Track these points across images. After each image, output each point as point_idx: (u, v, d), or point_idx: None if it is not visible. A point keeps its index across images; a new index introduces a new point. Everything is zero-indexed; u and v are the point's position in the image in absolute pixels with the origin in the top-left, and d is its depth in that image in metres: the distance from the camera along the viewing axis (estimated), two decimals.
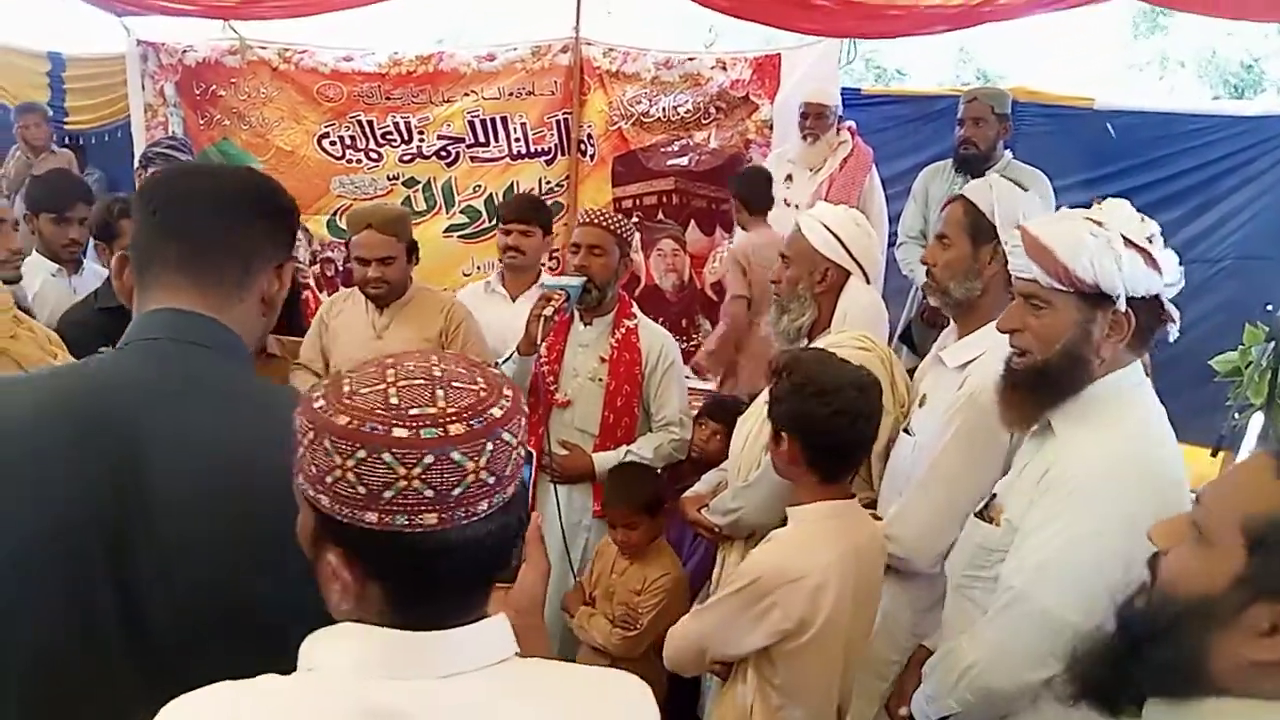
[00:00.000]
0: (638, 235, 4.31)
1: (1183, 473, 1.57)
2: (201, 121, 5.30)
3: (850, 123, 4.47)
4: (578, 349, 2.96)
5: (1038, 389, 1.62)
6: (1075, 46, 9.73)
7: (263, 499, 1.03)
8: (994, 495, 1.71)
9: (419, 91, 5.25)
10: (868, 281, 2.50)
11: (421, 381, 0.84)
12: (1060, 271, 1.56)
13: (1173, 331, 1.59)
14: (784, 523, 1.88)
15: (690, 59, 5.05)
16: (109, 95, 5.88)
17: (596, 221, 2.89)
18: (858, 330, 2.33)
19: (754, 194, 4.17)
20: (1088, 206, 4.26)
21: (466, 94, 5.25)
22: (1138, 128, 4.78)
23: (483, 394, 0.84)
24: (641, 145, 5.19)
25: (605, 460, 2.87)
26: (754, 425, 2.33)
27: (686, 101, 5.05)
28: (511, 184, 5.40)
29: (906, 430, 2.19)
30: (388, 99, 5.24)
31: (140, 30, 5.17)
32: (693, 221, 5.32)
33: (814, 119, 4.39)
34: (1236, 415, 3.98)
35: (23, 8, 5.56)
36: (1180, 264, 1.62)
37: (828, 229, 2.46)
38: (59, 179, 3.57)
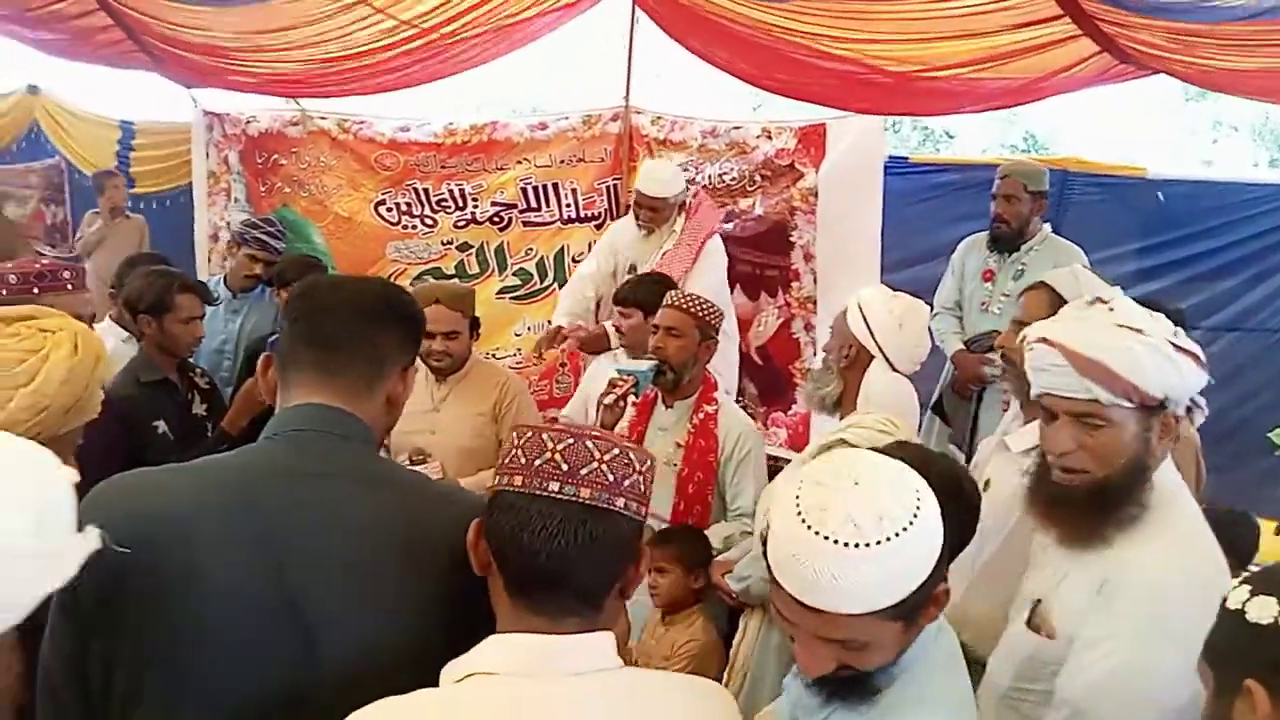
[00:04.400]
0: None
1: (1225, 565, 1.53)
2: (263, 188, 5.48)
3: (690, 200, 4.33)
4: (657, 431, 2.93)
5: (1102, 506, 1.56)
6: (1126, 109, 9.71)
7: (408, 571, 1.19)
8: (1038, 602, 1.65)
9: (473, 160, 5.38)
10: (893, 369, 2.51)
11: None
12: (1128, 390, 1.51)
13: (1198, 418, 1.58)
14: None
15: (736, 127, 5.10)
16: (173, 162, 6.14)
17: (676, 304, 2.87)
18: (882, 413, 2.31)
19: None
20: (1140, 275, 4.21)
21: (519, 161, 5.38)
22: (1192, 197, 4.74)
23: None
24: None
25: None
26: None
27: (732, 169, 5.09)
28: (562, 247, 5.50)
29: None
30: (443, 167, 5.38)
31: (206, 101, 5.40)
32: (738, 286, 5.31)
33: (647, 211, 4.16)
34: None
35: (99, 78, 5.85)
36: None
37: (860, 309, 2.52)
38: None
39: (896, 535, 1.11)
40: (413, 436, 3.10)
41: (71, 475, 1.49)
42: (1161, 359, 1.50)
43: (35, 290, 2.58)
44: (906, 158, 5.29)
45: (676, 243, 4.08)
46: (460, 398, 3.12)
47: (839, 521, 1.11)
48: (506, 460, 1.12)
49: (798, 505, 1.15)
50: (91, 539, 1.02)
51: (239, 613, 1.13)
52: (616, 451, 1.10)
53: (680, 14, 4.42)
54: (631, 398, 2.85)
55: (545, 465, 1.08)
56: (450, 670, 1.08)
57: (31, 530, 0.93)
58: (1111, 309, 1.59)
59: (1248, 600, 0.91)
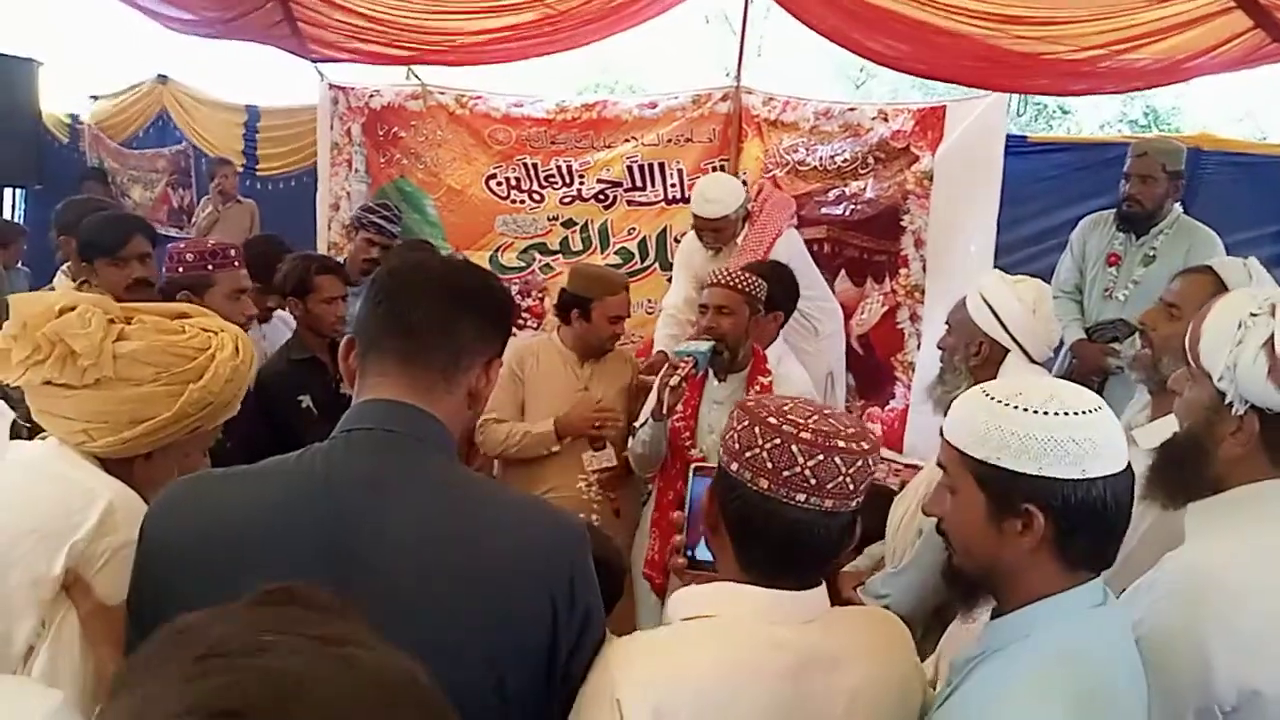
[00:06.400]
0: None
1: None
2: (382, 160, 5.65)
3: (752, 206, 4.09)
4: (712, 405, 2.97)
5: (1160, 465, 1.52)
6: (1254, 79, 9.20)
7: (474, 587, 1.11)
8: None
9: (582, 137, 5.45)
10: (1031, 360, 2.36)
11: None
12: (1192, 344, 1.45)
13: None
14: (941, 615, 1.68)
15: (851, 109, 5.03)
16: (297, 143, 6.38)
17: (723, 282, 2.91)
18: None
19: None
20: (1277, 261, 3.94)
21: (627, 140, 5.42)
22: None
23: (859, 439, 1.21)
24: (796, 193, 5.16)
25: None
26: (909, 507, 2.26)
27: (844, 151, 5.01)
28: (664, 228, 5.52)
29: None
30: (552, 143, 5.47)
31: (332, 75, 5.60)
32: (843, 271, 5.25)
33: (709, 234, 3.96)
34: None
35: (226, 63, 6.12)
36: None
37: (985, 300, 2.36)
38: (269, 246, 3.72)
39: (1030, 410, 1.15)
40: None
41: (199, 463, 1.58)
42: (1230, 338, 1.40)
43: (209, 267, 2.76)
44: (1025, 137, 5.11)
45: (739, 251, 3.90)
46: (602, 377, 3.26)
47: (1005, 386, 1.22)
48: (747, 455, 1.19)
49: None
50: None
51: None
52: (860, 463, 1.18)
53: None
54: (693, 376, 2.87)
55: (794, 477, 1.16)
56: (690, 601, 1.23)
57: None
58: None
59: None
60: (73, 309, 1.43)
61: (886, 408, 5.19)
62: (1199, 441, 1.45)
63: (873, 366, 5.23)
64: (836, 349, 4.42)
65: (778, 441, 1.17)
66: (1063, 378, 3.75)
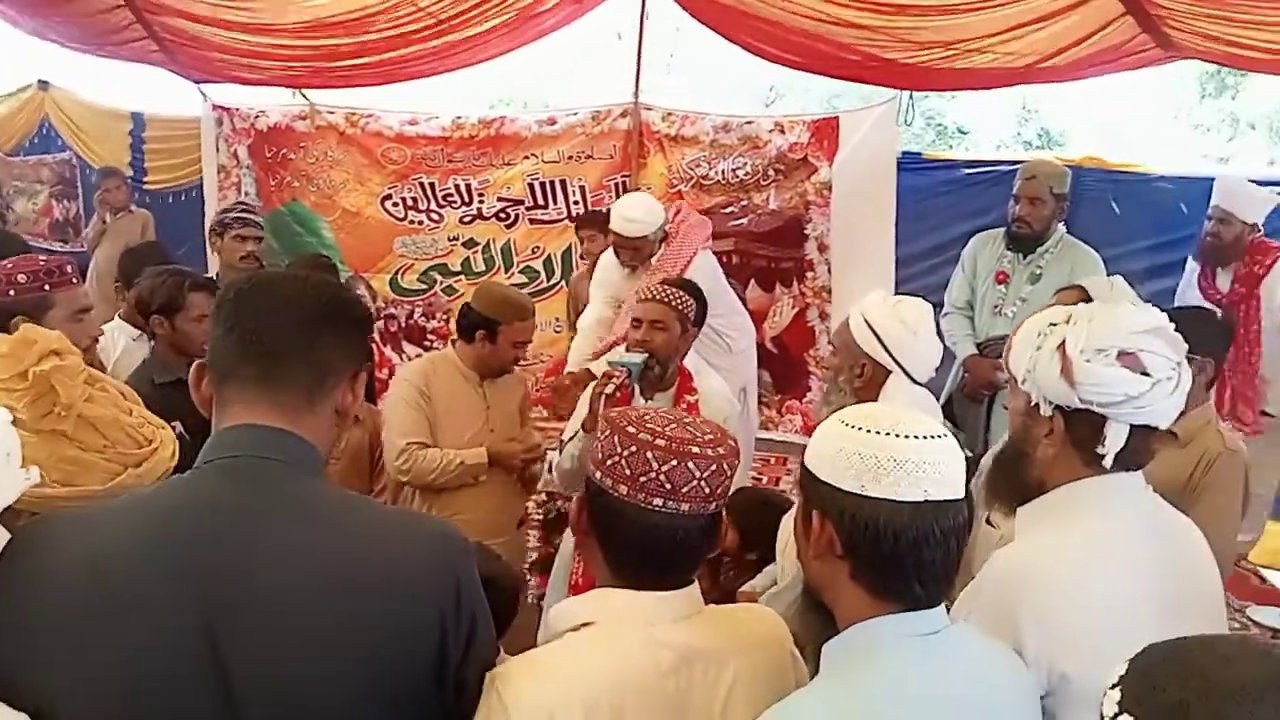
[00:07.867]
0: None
1: (1127, 584, 1.42)
2: (272, 183, 5.49)
3: (669, 227, 4.03)
4: None
5: (992, 473, 1.64)
6: (1139, 105, 9.63)
7: (357, 609, 1.09)
8: None
9: (480, 155, 5.37)
10: (913, 381, 2.36)
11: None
12: (1005, 355, 1.55)
13: (1108, 456, 1.43)
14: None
15: (748, 122, 5.10)
16: (185, 156, 6.11)
17: (658, 297, 2.89)
18: None
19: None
20: (1150, 273, 4.04)
21: (527, 157, 5.36)
22: (1203, 196, 4.61)
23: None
24: (701, 208, 5.18)
25: None
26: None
27: (745, 164, 5.10)
28: (569, 245, 5.47)
29: (989, 522, 2.10)
30: (450, 162, 5.37)
31: (215, 95, 5.40)
32: (753, 280, 5.37)
33: (627, 252, 3.90)
34: None
35: (108, 69, 5.81)
36: None
37: (866, 321, 2.37)
38: (150, 255, 3.49)
39: (843, 421, 1.18)
40: (479, 437, 3.11)
41: None
42: (1030, 342, 1.53)
43: (46, 288, 2.51)
44: (920, 154, 5.26)
45: (653, 270, 3.83)
46: (500, 396, 3.21)
47: (869, 410, 1.25)
48: (608, 462, 1.25)
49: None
50: (31, 475, 1.13)
51: (153, 670, 1.05)
52: (714, 468, 1.24)
53: None
54: (627, 387, 2.85)
55: (650, 482, 1.22)
56: (566, 612, 1.28)
57: None
58: None
59: (1116, 716, 0.82)
60: (59, 354, 1.43)
61: (804, 400, 5.42)
62: (1020, 447, 1.55)
63: (787, 364, 5.46)
64: (750, 364, 4.47)
65: (634, 449, 1.23)
66: (954, 393, 3.89)
